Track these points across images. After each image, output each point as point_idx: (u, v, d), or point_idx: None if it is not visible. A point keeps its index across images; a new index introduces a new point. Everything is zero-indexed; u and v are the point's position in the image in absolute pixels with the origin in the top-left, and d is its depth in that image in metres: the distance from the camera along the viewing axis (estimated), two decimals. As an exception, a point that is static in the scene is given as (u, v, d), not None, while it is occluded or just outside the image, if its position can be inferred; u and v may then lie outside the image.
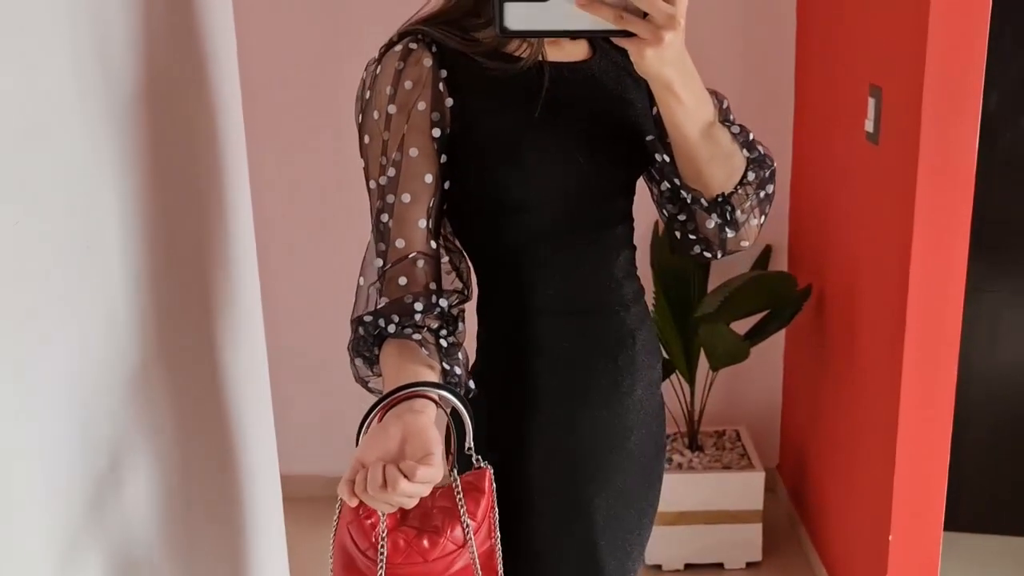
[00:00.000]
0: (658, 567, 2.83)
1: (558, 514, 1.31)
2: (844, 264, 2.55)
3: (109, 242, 1.13)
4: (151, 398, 1.24)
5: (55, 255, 1.02)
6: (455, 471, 1.15)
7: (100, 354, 1.11)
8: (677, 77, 1.11)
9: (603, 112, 1.28)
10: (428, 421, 1.06)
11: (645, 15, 1.02)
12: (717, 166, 1.23)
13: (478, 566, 1.12)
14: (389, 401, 1.09)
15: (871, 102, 2.26)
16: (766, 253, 3.02)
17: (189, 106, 1.40)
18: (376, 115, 1.21)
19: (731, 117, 1.29)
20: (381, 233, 1.21)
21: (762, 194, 1.28)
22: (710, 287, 2.85)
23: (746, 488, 2.79)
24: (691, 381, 2.84)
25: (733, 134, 1.25)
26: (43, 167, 0.99)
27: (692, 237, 1.32)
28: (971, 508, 2.80)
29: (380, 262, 1.20)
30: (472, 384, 1.23)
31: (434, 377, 1.15)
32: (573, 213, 1.27)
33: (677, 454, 2.90)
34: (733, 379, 3.07)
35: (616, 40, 1.06)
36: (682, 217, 1.31)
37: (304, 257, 3.15)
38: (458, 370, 1.19)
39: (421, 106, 1.20)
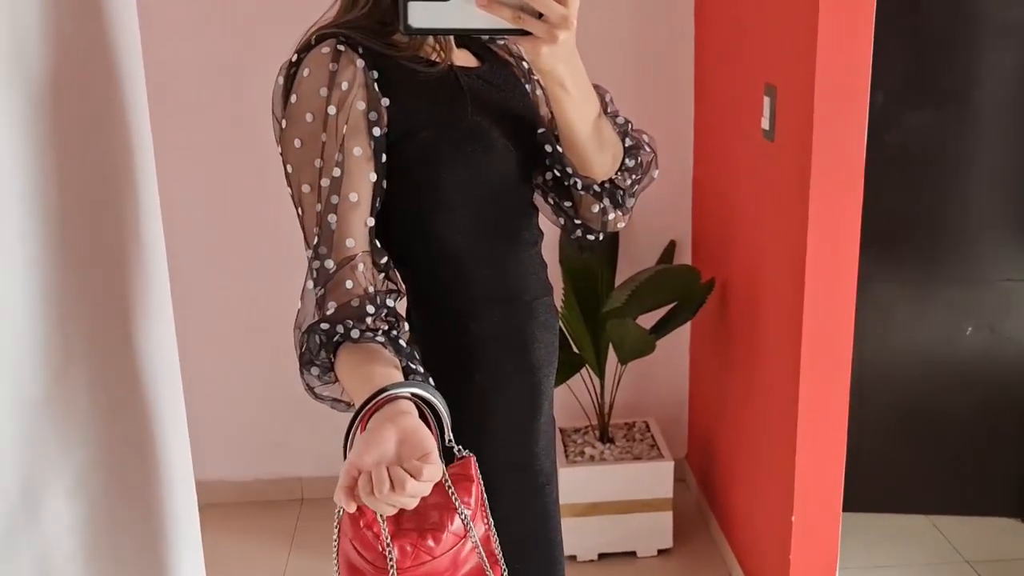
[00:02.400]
0: (573, 558, 2.89)
1: (520, 487, 1.38)
2: (745, 257, 2.64)
3: (9, 251, 1.12)
4: (59, 409, 1.23)
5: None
6: (443, 465, 1.15)
7: (6, 368, 1.10)
8: (568, 74, 1.19)
9: (509, 111, 1.35)
10: (419, 421, 1.07)
11: (541, 15, 1.09)
12: (603, 155, 1.33)
13: (482, 551, 1.15)
14: (372, 406, 1.09)
15: (767, 101, 2.34)
16: (671, 248, 3.11)
17: (96, 106, 1.40)
18: (310, 117, 1.21)
19: (611, 109, 1.38)
20: (325, 235, 1.21)
21: (645, 178, 1.41)
22: (617, 282, 2.92)
23: (656, 478, 2.86)
24: (600, 375, 2.90)
25: (619, 124, 1.36)
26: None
27: (577, 222, 1.43)
28: (868, 489, 2.92)
29: (331, 264, 1.20)
30: (432, 381, 1.23)
31: (401, 377, 1.16)
32: (501, 207, 1.33)
33: (588, 446, 2.96)
34: (641, 372, 3.14)
35: (512, 39, 1.14)
36: (568, 204, 1.41)
37: (218, 262, 3.12)
38: (420, 368, 1.20)
39: (360, 106, 1.21)
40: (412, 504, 1.03)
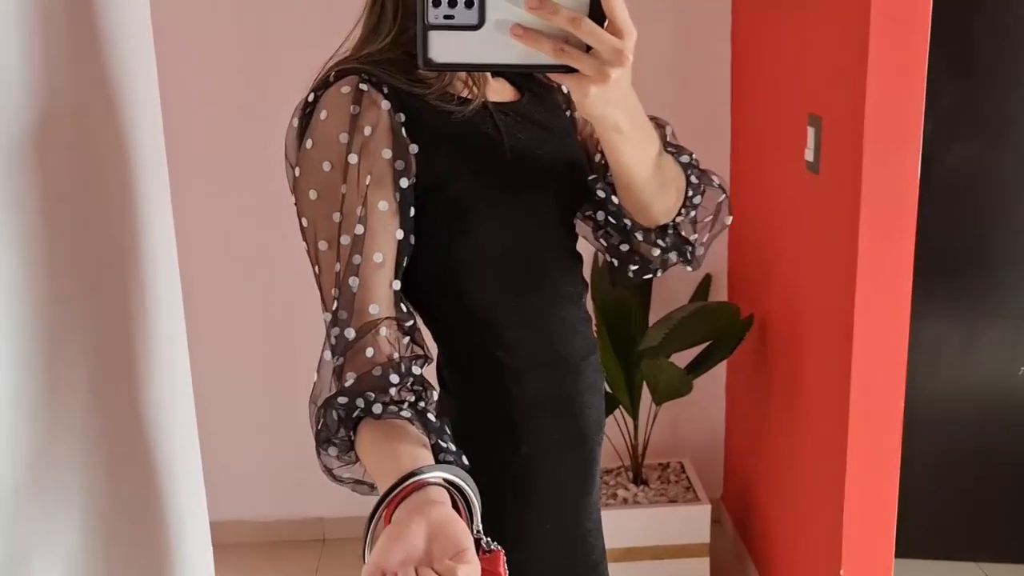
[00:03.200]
0: (605, 605, 2.77)
1: (571, 570, 1.26)
2: (786, 293, 2.54)
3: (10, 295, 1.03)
4: (63, 441, 1.15)
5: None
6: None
7: (11, 395, 1.02)
8: (624, 117, 1.01)
9: (550, 151, 1.21)
10: (452, 512, 0.92)
11: (589, 49, 0.91)
12: (664, 195, 1.18)
13: None
14: (398, 494, 0.94)
15: (811, 132, 2.25)
16: (706, 282, 3.01)
17: (102, 134, 1.31)
18: (328, 166, 1.07)
19: (672, 142, 1.25)
20: (345, 300, 1.06)
21: (716, 224, 1.26)
22: (651, 316, 2.82)
23: (692, 522, 2.75)
24: (634, 415, 2.80)
25: (682, 163, 1.21)
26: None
27: (634, 267, 1.29)
28: (915, 535, 2.79)
29: (351, 333, 1.05)
30: (465, 459, 1.07)
31: (430, 457, 1.01)
32: (541, 260, 1.20)
33: (622, 488, 2.86)
34: (675, 410, 3.03)
35: (555, 77, 0.95)
36: (625, 247, 1.28)
37: (233, 295, 3.05)
38: (452, 446, 1.05)
39: (386, 154, 1.07)
40: None
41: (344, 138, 1.07)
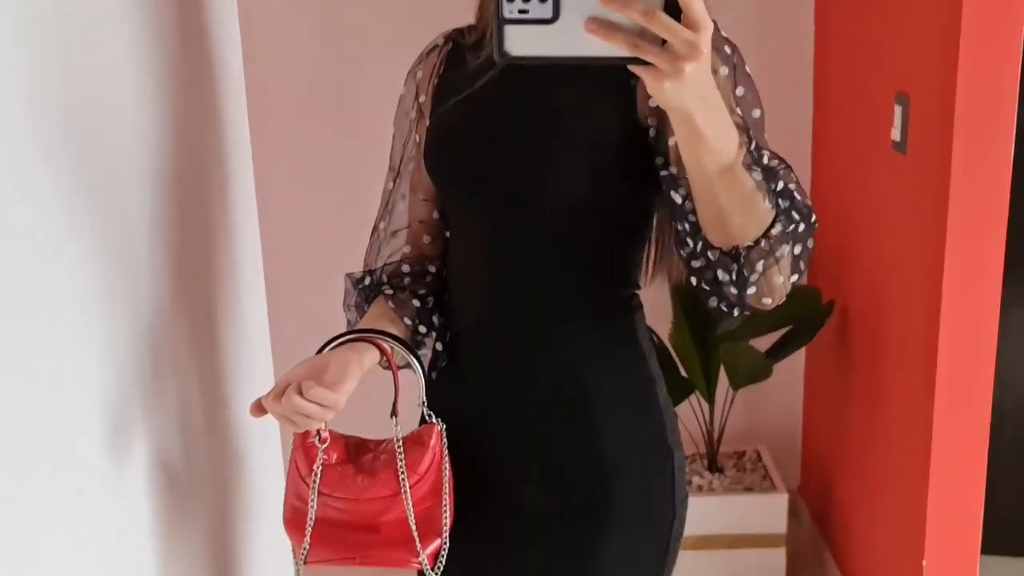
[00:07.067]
0: (678, 593, 2.73)
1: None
2: (869, 278, 2.46)
3: (140, 240, 1.19)
4: (158, 399, 1.24)
5: (93, 253, 1.05)
6: (396, 419, 1.19)
7: (123, 356, 1.14)
8: (700, 110, 0.96)
9: (547, 123, 1.24)
10: (357, 357, 1.15)
11: (664, 42, 0.90)
12: (735, 213, 1.08)
13: (412, 519, 1.16)
14: (348, 340, 1.18)
15: (898, 110, 2.17)
16: (785, 267, 2.93)
17: (193, 102, 1.40)
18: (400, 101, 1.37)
19: (764, 161, 1.11)
20: (387, 204, 1.36)
21: (797, 249, 1.13)
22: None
23: (769, 511, 2.69)
24: (710, 400, 2.75)
25: (756, 181, 1.08)
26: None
27: (707, 288, 1.17)
28: (1005, 530, 2.70)
29: (383, 228, 1.36)
30: (440, 347, 1.28)
31: (401, 331, 1.24)
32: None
33: (696, 476, 2.81)
34: (751, 397, 2.97)
35: (632, 68, 0.94)
36: (696, 263, 1.16)
37: (311, 254, 3.05)
38: (423, 328, 1.27)
39: (422, 98, 1.32)
40: (308, 424, 1.10)
41: (411, 81, 1.35)
